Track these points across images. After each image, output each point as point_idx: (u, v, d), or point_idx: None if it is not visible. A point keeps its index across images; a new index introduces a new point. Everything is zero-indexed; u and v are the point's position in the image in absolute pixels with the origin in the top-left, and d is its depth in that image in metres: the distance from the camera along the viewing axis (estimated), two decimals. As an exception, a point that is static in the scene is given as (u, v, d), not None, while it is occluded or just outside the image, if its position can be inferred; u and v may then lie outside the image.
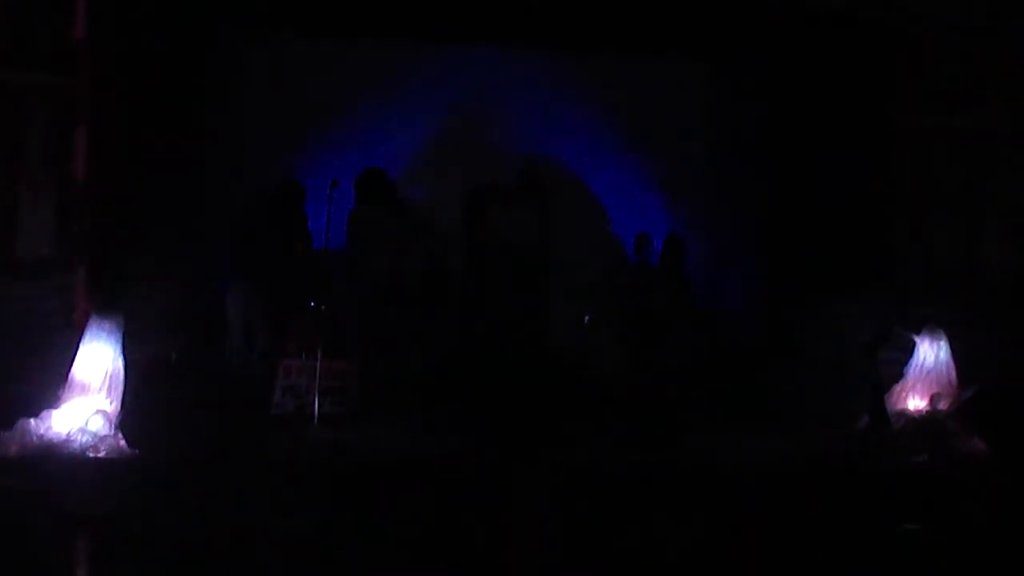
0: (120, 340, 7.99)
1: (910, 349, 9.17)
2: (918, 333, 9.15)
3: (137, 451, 7.62)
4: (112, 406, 7.83)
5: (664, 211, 11.42)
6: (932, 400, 8.91)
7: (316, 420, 8.74)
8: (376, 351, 9.53)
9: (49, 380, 7.88)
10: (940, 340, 9.05)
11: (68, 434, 7.57)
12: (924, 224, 9.98)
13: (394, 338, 9.57)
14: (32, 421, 7.59)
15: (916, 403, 9.00)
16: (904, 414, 8.97)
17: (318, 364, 8.86)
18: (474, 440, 8.34)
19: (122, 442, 7.66)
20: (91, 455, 7.49)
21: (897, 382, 9.16)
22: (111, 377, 7.89)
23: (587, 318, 10.69)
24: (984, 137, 9.90)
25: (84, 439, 7.55)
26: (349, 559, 5.89)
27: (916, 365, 9.10)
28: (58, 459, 7.36)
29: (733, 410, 9.44)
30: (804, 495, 7.30)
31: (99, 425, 7.65)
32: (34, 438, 7.50)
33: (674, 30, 10.80)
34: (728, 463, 8.20)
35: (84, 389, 7.83)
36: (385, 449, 8.28)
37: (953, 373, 8.98)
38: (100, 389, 7.84)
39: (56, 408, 7.74)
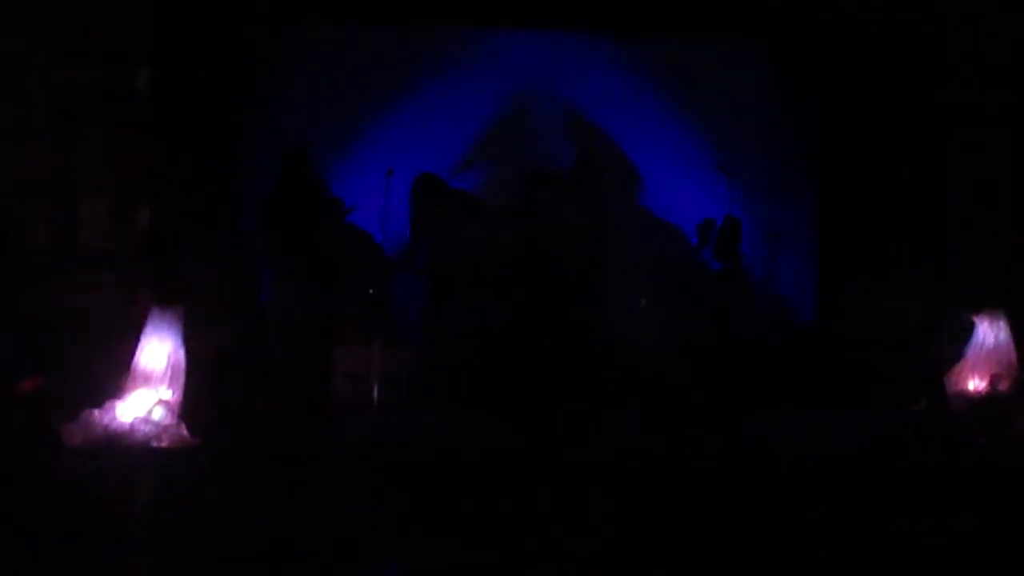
0: (181, 330, 8.09)
1: (969, 329, 9.11)
2: (977, 313, 9.09)
3: (200, 440, 7.72)
4: (174, 396, 7.93)
5: (720, 193, 11.35)
6: (992, 381, 8.85)
7: (375, 407, 8.81)
8: (434, 338, 9.60)
9: (112, 371, 8.00)
10: (999, 321, 8.98)
11: (132, 424, 7.69)
12: (979, 202, 9.90)
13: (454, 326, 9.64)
14: (96, 412, 7.73)
15: (976, 384, 8.94)
16: (964, 396, 8.91)
17: (376, 351, 8.91)
18: (528, 427, 8.35)
19: (184, 431, 7.76)
20: (154, 445, 7.60)
21: (956, 363, 9.10)
22: (173, 367, 8.00)
23: (643, 302, 10.70)
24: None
25: (147, 429, 7.66)
26: (409, 545, 5.92)
27: (976, 346, 9.04)
28: (122, 449, 7.48)
29: (788, 393, 9.39)
30: (859, 477, 7.27)
31: (162, 415, 7.75)
32: (98, 429, 7.63)
33: (730, 11, 10.76)
34: (784, 447, 8.17)
35: (147, 379, 7.94)
36: (444, 437, 8.31)
37: (1013, 354, 8.91)
38: (162, 379, 7.95)
39: (119, 399, 7.86)
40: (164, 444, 7.62)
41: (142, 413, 7.74)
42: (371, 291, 9.34)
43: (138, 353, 7.99)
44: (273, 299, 9.42)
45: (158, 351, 8.00)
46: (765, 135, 11.64)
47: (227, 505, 6.40)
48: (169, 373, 7.96)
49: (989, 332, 8.99)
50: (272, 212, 9.35)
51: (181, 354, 8.05)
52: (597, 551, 5.86)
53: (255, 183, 10.10)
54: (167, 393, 7.91)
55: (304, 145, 9.53)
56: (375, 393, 8.87)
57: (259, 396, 8.31)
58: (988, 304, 9.06)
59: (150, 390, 7.89)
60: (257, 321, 9.51)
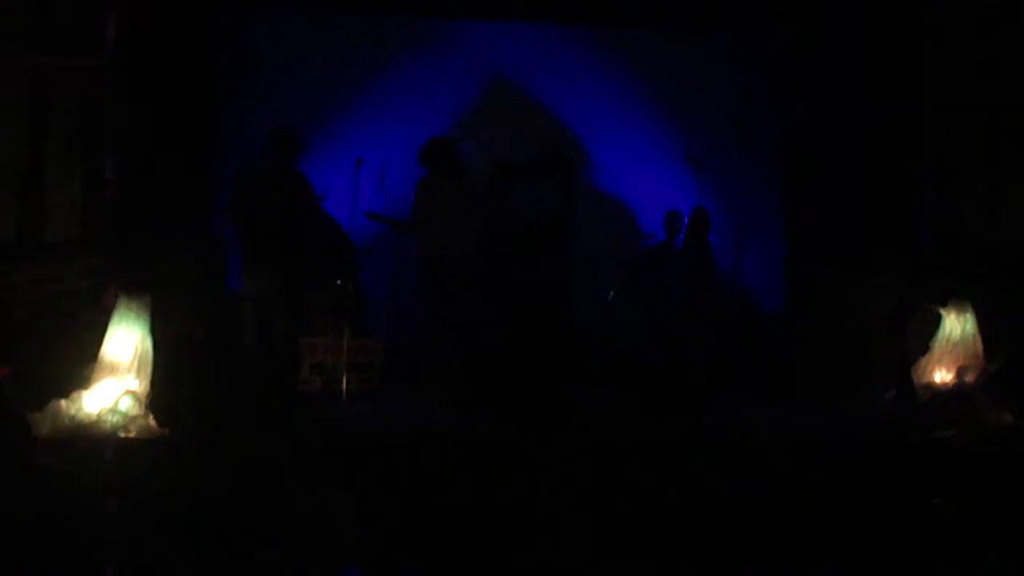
0: (148, 320, 8.06)
1: (936, 322, 9.15)
2: (944, 305, 9.13)
3: (167, 430, 7.69)
4: (142, 386, 7.90)
5: (689, 184, 11.38)
6: (959, 373, 8.89)
7: (344, 397, 8.81)
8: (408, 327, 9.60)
9: (79, 361, 7.96)
10: (966, 313, 9.03)
11: (99, 415, 7.64)
12: (948, 195, 9.95)
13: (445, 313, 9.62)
14: (63, 402, 7.66)
15: (943, 376, 8.99)
16: (931, 387, 8.97)
17: (345, 342, 8.91)
18: (498, 415, 8.37)
19: (152, 422, 7.72)
20: (121, 435, 7.55)
21: (923, 355, 9.15)
22: (140, 357, 7.96)
23: (611, 293, 10.73)
24: (1010, 108, 9.85)
25: (114, 419, 7.60)
26: (378, 533, 5.92)
27: (942, 338, 9.09)
28: (89, 440, 7.43)
29: (757, 383, 9.44)
30: (829, 468, 7.29)
31: (129, 405, 7.71)
32: (65, 419, 7.57)
33: (702, 2, 10.83)
34: (752, 436, 8.20)
35: (114, 370, 7.90)
36: (411, 425, 8.34)
37: (980, 345, 8.96)
38: (130, 369, 7.91)
39: (86, 389, 7.82)
40: (131, 434, 7.57)
41: (109, 403, 7.69)
42: (339, 282, 9.30)
43: (105, 343, 7.95)
44: (244, 286, 9.31)
45: (125, 341, 7.95)
46: (734, 126, 11.70)
47: (194, 495, 6.38)
48: (136, 363, 7.92)
49: (956, 324, 9.04)
50: (246, 195, 9.22)
51: (149, 343, 8.01)
52: (570, 539, 5.89)
53: (224, 171, 10.06)
54: (134, 383, 7.87)
55: (294, 129, 9.43)
56: (344, 383, 8.87)
57: (227, 386, 8.30)
58: (955, 296, 9.11)
59: (117, 380, 7.86)
60: (226, 309, 9.45)
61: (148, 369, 7.95)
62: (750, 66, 11.67)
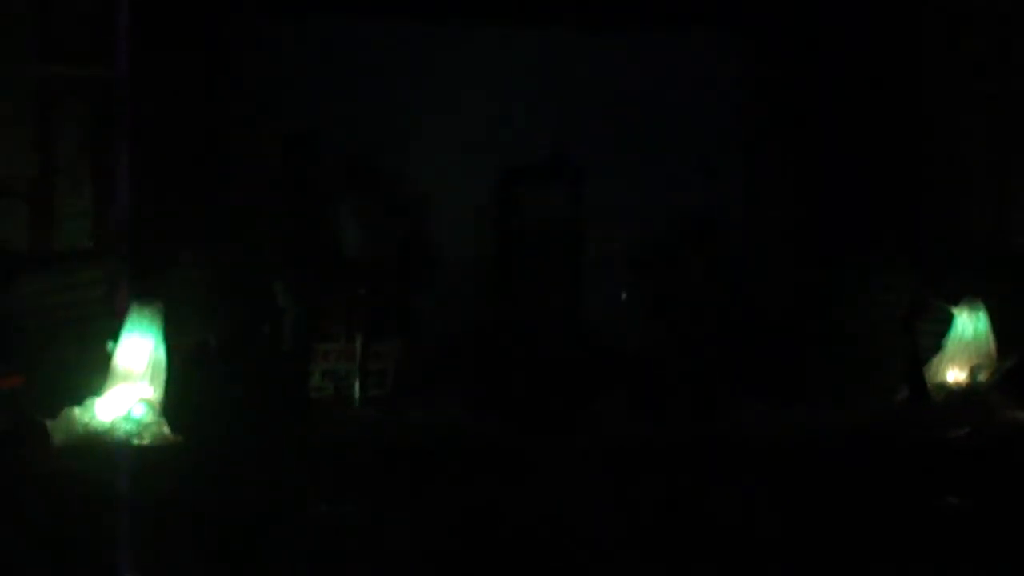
0: (161, 327, 8.08)
1: (948, 321, 9.14)
2: (956, 305, 9.12)
3: (181, 437, 7.71)
4: (155, 393, 7.92)
5: (698, 186, 11.37)
6: (972, 372, 8.90)
7: (358, 403, 8.82)
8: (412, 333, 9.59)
9: (92, 369, 7.99)
10: (979, 311, 9.03)
11: (112, 422, 7.69)
12: (957, 194, 9.95)
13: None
14: (76, 410, 7.72)
15: (956, 375, 8.99)
16: (944, 386, 8.96)
17: (359, 347, 8.93)
18: (511, 418, 8.37)
19: (166, 429, 7.75)
20: (135, 442, 7.59)
21: (935, 354, 9.14)
22: (153, 365, 7.99)
23: (623, 296, 10.72)
24: (1016, 105, 9.84)
25: (128, 427, 7.66)
26: (395, 540, 5.93)
27: (955, 337, 9.09)
28: (103, 447, 7.47)
29: (769, 384, 9.41)
30: (843, 468, 7.28)
31: (143, 412, 7.74)
32: (79, 427, 7.62)
33: (708, 5, 10.83)
34: (766, 436, 8.21)
35: (127, 377, 7.93)
36: (427, 429, 8.35)
37: (992, 344, 8.96)
38: (143, 377, 7.94)
39: (100, 397, 7.86)
40: (145, 442, 7.61)
41: (123, 411, 7.72)
42: (361, 291, 9.29)
43: (118, 351, 7.97)
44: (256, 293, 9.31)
45: (139, 348, 7.98)
46: (740, 127, 11.68)
47: (209, 503, 6.39)
48: (150, 370, 7.94)
49: (968, 323, 9.04)
50: (284, 203, 9.23)
51: (161, 351, 8.03)
52: (578, 540, 5.90)
53: (235, 178, 10.09)
54: (148, 390, 7.89)
55: (309, 133, 9.45)
56: (357, 388, 8.89)
57: (240, 393, 8.30)
58: (967, 295, 9.10)
59: (131, 387, 7.88)
60: (239, 316, 9.46)
61: (161, 377, 7.98)
62: (753, 66, 11.66)
